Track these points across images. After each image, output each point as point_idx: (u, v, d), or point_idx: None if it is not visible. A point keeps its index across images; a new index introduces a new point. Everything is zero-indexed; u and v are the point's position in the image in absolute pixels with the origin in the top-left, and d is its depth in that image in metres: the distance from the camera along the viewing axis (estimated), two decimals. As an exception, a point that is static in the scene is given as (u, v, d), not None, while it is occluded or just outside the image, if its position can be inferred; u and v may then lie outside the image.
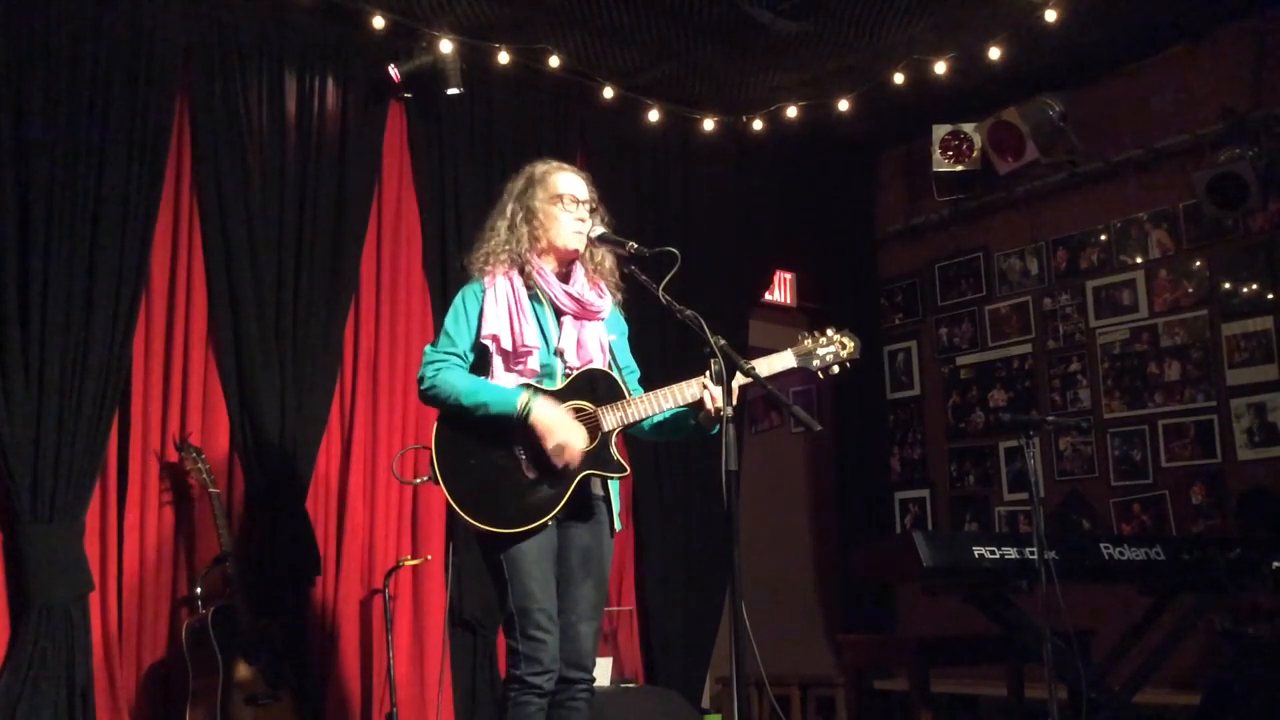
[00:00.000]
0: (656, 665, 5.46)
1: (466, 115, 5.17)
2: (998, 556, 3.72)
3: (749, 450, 6.25)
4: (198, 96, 4.41)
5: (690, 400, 2.96)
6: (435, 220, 5.04)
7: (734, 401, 2.64)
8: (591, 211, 3.13)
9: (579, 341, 3.06)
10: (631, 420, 2.98)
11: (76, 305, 3.97)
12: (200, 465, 4.08)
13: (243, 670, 3.88)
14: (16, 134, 3.92)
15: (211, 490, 4.06)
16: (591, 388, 3.02)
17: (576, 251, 3.10)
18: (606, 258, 3.18)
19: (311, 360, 4.55)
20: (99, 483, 4.04)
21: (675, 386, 2.96)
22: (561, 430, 2.89)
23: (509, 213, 3.13)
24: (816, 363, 3.00)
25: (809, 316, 6.79)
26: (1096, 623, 4.59)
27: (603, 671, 5.07)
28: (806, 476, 7.07)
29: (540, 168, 3.17)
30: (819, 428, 2.66)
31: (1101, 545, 3.95)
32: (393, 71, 4.83)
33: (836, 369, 3.02)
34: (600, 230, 3.10)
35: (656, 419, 3.06)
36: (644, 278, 2.97)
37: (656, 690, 5.08)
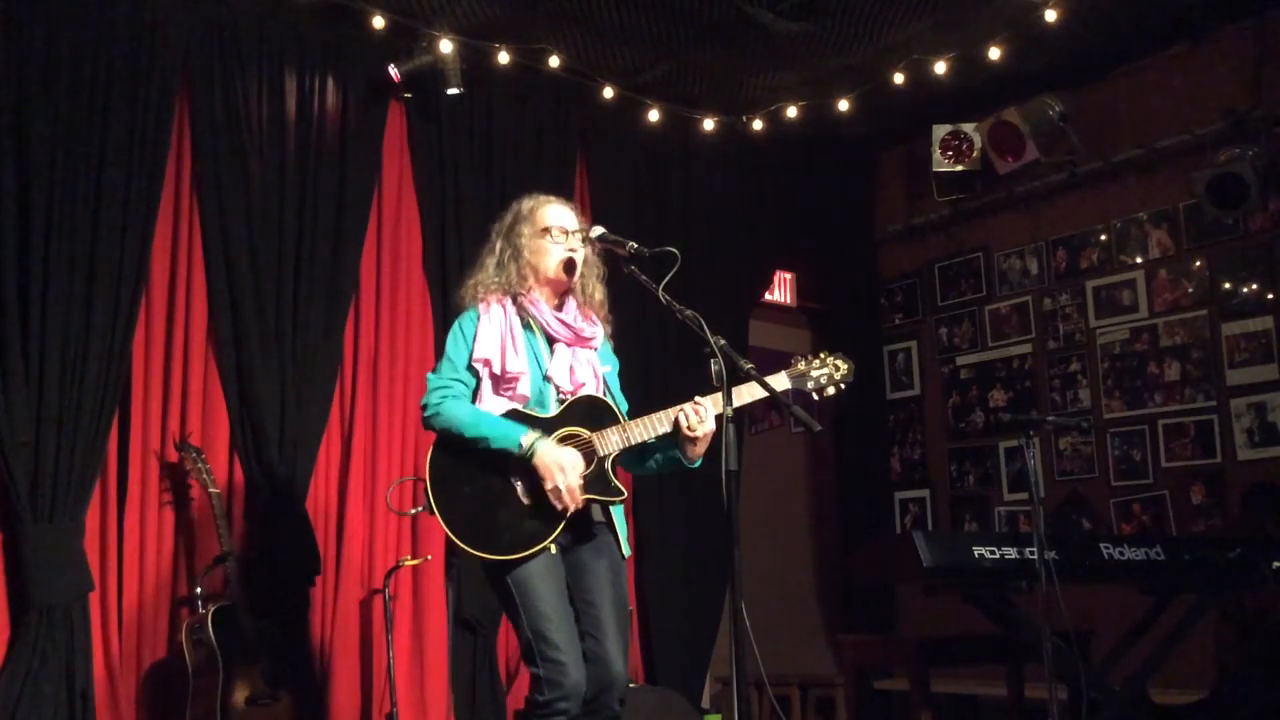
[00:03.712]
0: (656, 665, 5.45)
1: (466, 115, 5.17)
2: (998, 556, 3.72)
3: (749, 450, 6.25)
4: (198, 96, 4.41)
5: (670, 429, 2.94)
6: (435, 220, 5.04)
7: (731, 405, 2.64)
8: (582, 241, 3.12)
9: (571, 369, 3.05)
10: (628, 444, 2.95)
11: (76, 305, 3.97)
12: (200, 465, 4.08)
13: (242, 670, 3.88)
14: (17, 134, 3.92)
15: (211, 490, 4.06)
16: (586, 413, 2.99)
17: (568, 282, 3.10)
18: (597, 290, 3.19)
19: (311, 360, 4.55)
20: (99, 483, 4.04)
21: (669, 410, 2.95)
22: (563, 475, 2.84)
23: (497, 250, 3.15)
24: (810, 384, 3.03)
25: (809, 316, 6.80)
26: (1096, 623, 4.59)
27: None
28: (806, 476, 7.07)
29: (526, 203, 3.18)
30: (819, 428, 2.66)
31: (1101, 545, 3.96)
32: (393, 71, 4.83)
33: (831, 390, 3.04)
34: (600, 230, 3.09)
35: (638, 447, 3.01)
36: (644, 278, 2.96)
37: (656, 690, 5.07)
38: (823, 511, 6.93)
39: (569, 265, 3.08)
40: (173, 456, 4.21)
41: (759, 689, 5.41)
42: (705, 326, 2.68)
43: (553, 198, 3.21)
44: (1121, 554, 3.95)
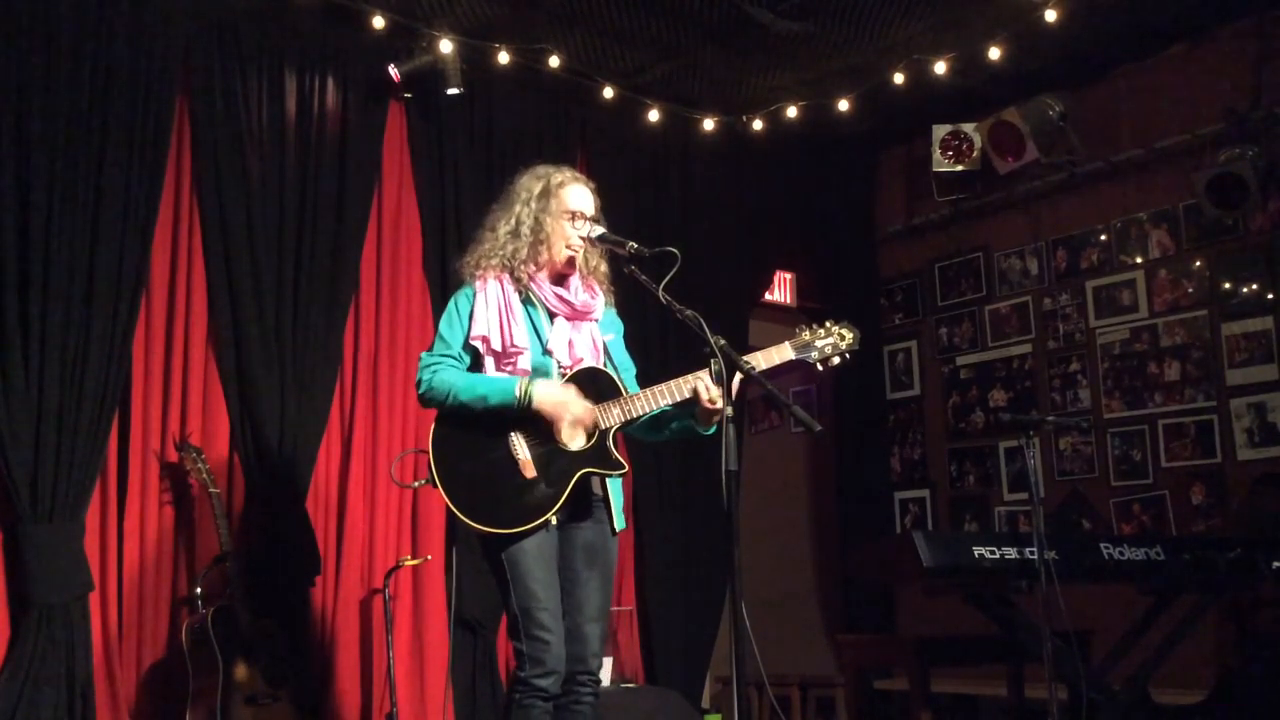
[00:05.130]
0: (656, 665, 5.45)
1: (466, 115, 5.17)
2: (998, 556, 3.72)
3: (749, 450, 6.25)
4: (198, 96, 4.41)
5: (688, 396, 2.94)
6: (435, 220, 5.04)
7: (732, 398, 2.64)
8: (595, 223, 3.13)
9: (570, 341, 3.07)
10: (630, 417, 2.98)
11: (76, 305, 3.97)
12: (200, 465, 4.08)
13: (242, 670, 3.88)
14: (17, 133, 3.92)
15: (211, 490, 4.05)
16: (589, 386, 3.01)
17: (573, 263, 3.11)
18: (601, 262, 3.19)
19: (311, 360, 4.55)
20: (99, 483, 4.04)
21: (673, 382, 2.95)
22: (570, 408, 2.91)
23: (515, 218, 3.12)
24: (815, 354, 2.99)
25: (809, 316, 6.78)
26: (1096, 623, 4.59)
27: (603, 671, 5.06)
28: (806, 476, 7.07)
29: (556, 177, 3.15)
30: (819, 428, 2.65)
31: (1101, 545, 3.95)
32: (393, 71, 4.83)
33: (836, 360, 3.01)
34: (600, 230, 3.10)
35: (653, 416, 3.05)
36: (644, 278, 2.96)
37: (656, 690, 5.08)
38: (823, 511, 6.93)
39: (573, 256, 3.09)
40: (173, 456, 4.21)
41: (759, 689, 5.41)
42: (705, 326, 2.68)
43: (578, 176, 3.19)
44: (1121, 554, 3.95)
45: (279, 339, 4.48)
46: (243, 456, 4.36)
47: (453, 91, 4.90)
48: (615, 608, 5.40)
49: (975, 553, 3.69)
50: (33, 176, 3.92)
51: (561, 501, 2.92)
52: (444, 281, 4.95)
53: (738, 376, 2.77)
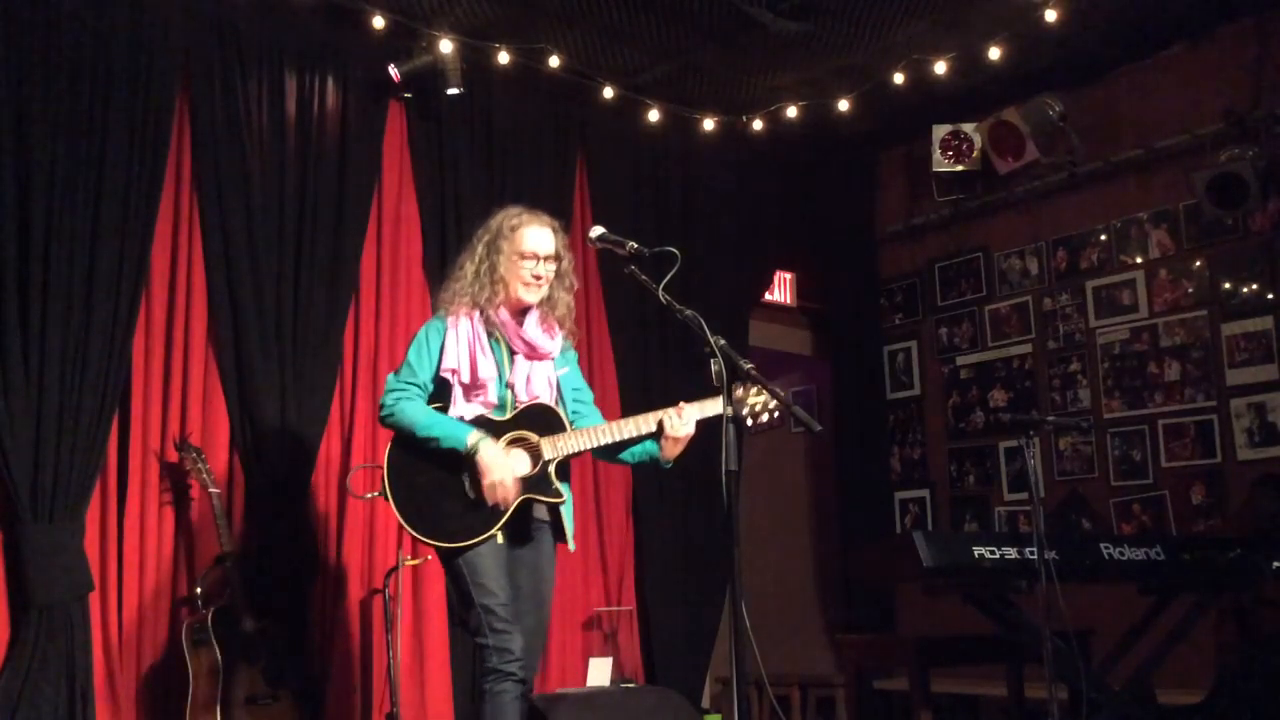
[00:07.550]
0: (656, 665, 5.46)
1: (466, 115, 5.17)
2: (998, 556, 3.72)
3: (749, 450, 6.25)
4: (198, 96, 4.41)
5: (625, 437, 3.21)
6: (435, 220, 5.04)
7: (732, 400, 2.69)
8: (556, 260, 3.31)
9: (528, 378, 3.30)
10: (569, 452, 3.23)
11: (76, 305, 3.97)
12: (200, 465, 4.08)
13: (243, 671, 3.88)
14: (17, 134, 3.92)
15: (211, 490, 4.05)
16: (538, 419, 3.26)
17: (531, 305, 3.32)
18: (560, 303, 3.38)
19: (311, 360, 4.56)
20: (99, 483, 4.04)
21: (617, 423, 3.23)
22: (497, 472, 3.11)
23: (476, 259, 3.35)
24: (745, 409, 3.00)
25: (809, 316, 6.80)
26: (1096, 623, 4.59)
27: (603, 671, 5.08)
28: (806, 476, 7.07)
29: (510, 221, 3.34)
30: (819, 428, 2.66)
31: (1101, 545, 3.95)
32: (393, 71, 4.84)
33: (765, 418, 3.02)
34: (600, 230, 3.12)
35: (614, 446, 3.28)
36: (644, 278, 2.97)
37: (656, 690, 5.07)
38: (823, 511, 6.93)
39: (532, 293, 3.29)
40: (173, 456, 4.21)
41: (759, 689, 5.41)
42: (705, 326, 2.69)
43: (537, 217, 3.35)
44: (1121, 554, 3.95)
45: (279, 339, 4.48)
46: (243, 457, 4.36)
47: (453, 91, 4.91)
48: (616, 608, 5.41)
49: (975, 553, 3.70)
50: (33, 176, 3.92)
51: (501, 523, 3.14)
52: (444, 281, 4.94)
53: (702, 411, 3.07)
